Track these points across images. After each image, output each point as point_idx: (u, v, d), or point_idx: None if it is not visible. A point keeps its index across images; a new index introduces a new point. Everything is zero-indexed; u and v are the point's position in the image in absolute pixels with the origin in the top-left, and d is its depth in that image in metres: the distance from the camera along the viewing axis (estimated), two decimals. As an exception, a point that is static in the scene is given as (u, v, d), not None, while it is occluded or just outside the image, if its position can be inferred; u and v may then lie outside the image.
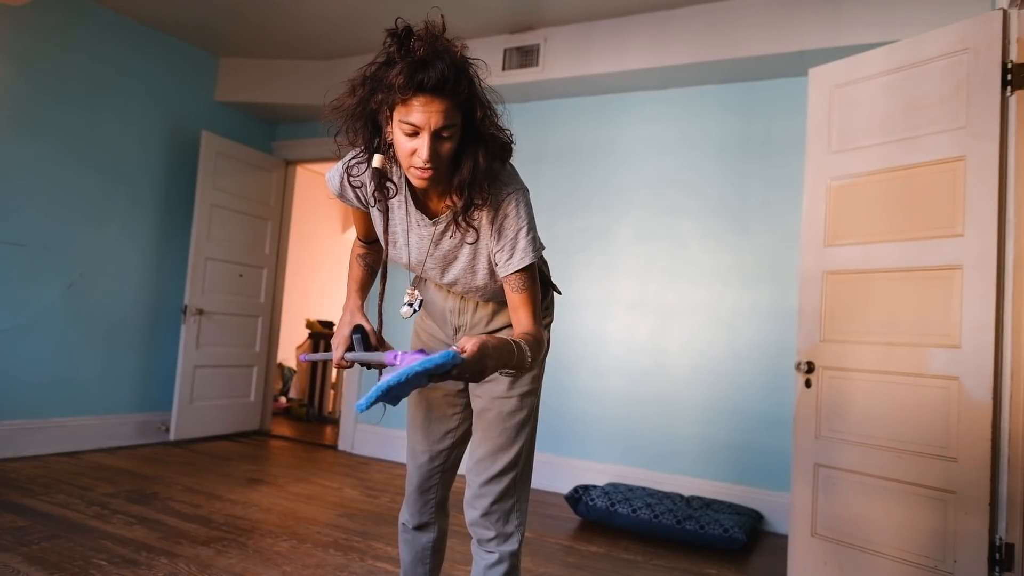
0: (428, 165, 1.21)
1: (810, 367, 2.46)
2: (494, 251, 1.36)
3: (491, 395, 1.50)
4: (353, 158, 1.37)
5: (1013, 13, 2.06)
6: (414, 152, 1.21)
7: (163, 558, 2.36)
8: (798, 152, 3.20)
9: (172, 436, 4.33)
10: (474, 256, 1.40)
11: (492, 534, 1.48)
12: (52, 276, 3.80)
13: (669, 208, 3.75)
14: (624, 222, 3.86)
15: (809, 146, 2.56)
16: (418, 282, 1.58)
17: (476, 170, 1.27)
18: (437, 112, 1.17)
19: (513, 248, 1.35)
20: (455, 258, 1.41)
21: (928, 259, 2.18)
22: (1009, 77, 2.04)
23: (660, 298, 3.73)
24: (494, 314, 1.53)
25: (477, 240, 1.36)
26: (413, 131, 1.19)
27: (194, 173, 4.49)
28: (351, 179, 1.38)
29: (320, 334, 6.11)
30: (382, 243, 1.47)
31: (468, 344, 1.11)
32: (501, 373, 1.42)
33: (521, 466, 1.51)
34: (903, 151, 2.28)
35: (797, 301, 2.64)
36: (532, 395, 1.52)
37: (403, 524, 1.67)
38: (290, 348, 6.51)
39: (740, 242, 3.57)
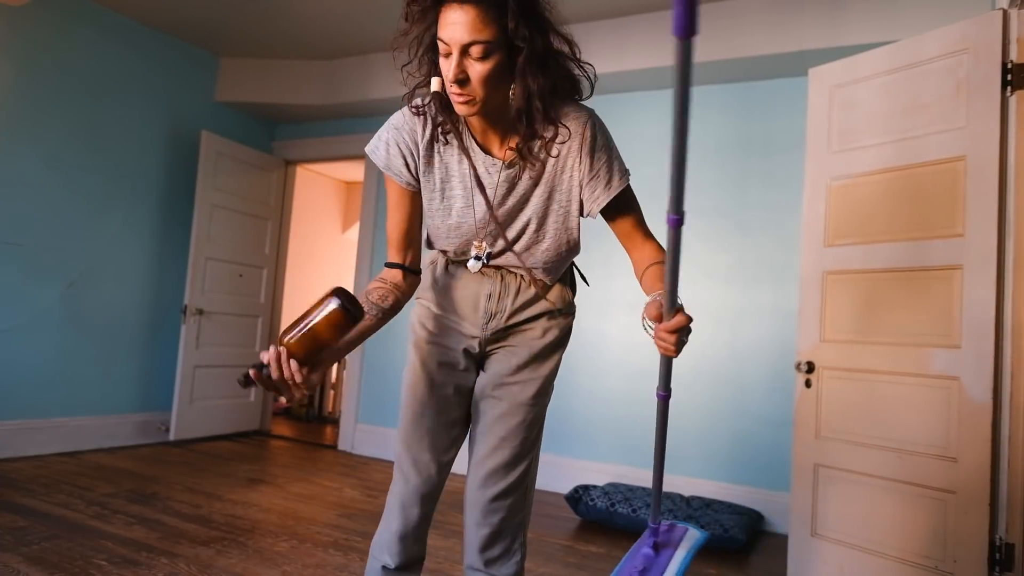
0: (456, 89, 1.09)
1: (810, 367, 2.46)
2: (586, 181, 1.24)
3: (516, 400, 1.35)
4: (412, 96, 1.22)
5: (1013, 13, 2.06)
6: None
7: (163, 558, 2.36)
8: (798, 152, 3.20)
9: (172, 436, 4.33)
10: (551, 199, 1.26)
11: (498, 553, 1.36)
12: (52, 276, 3.80)
13: (669, 208, 3.74)
14: (624, 222, 3.85)
15: (809, 146, 2.56)
16: (436, 267, 1.40)
17: (530, 95, 1.13)
18: (461, 25, 1.04)
19: (610, 171, 1.25)
20: (525, 204, 1.27)
21: (928, 259, 2.18)
22: (1009, 77, 2.04)
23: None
24: (538, 298, 1.36)
25: (547, 173, 1.24)
26: (447, 51, 1.08)
27: (194, 173, 4.49)
28: (409, 129, 1.24)
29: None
30: (432, 221, 1.31)
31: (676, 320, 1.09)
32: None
33: (533, 474, 1.40)
34: (903, 151, 2.28)
35: (797, 301, 2.64)
36: (548, 397, 1.41)
37: (383, 568, 1.37)
38: (290, 348, 6.51)
39: (740, 242, 3.57)
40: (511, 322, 1.36)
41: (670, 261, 0.99)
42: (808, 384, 2.47)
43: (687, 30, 0.71)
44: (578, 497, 3.24)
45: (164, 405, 4.40)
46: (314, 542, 2.66)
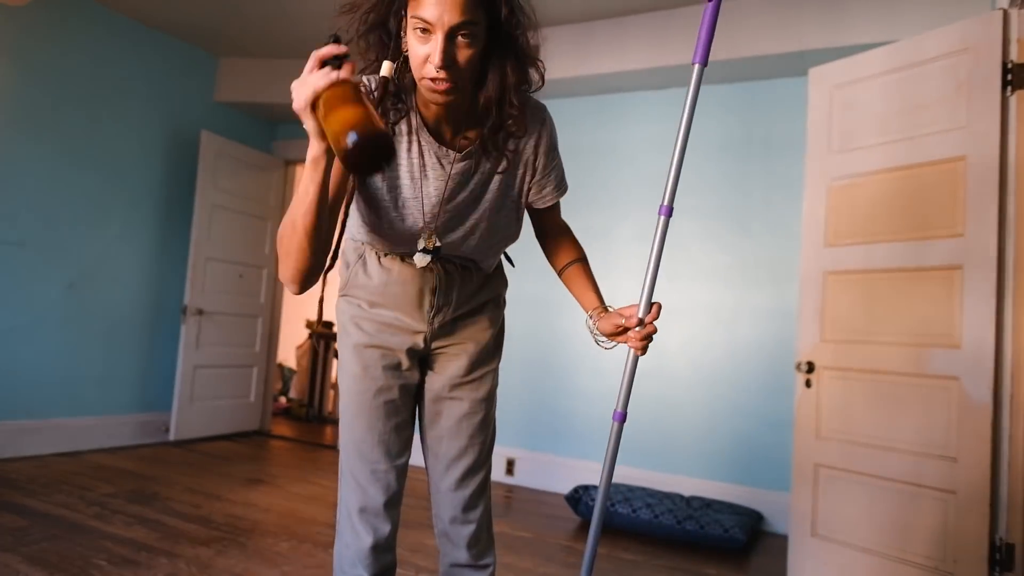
0: (442, 74, 1.01)
1: (810, 367, 2.46)
2: (539, 176, 1.25)
3: (475, 398, 1.33)
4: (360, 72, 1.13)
5: (1013, 13, 2.06)
6: (427, 58, 1.02)
7: (163, 558, 2.36)
8: (798, 152, 3.19)
9: (172, 436, 4.33)
10: (505, 193, 1.22)
11: (483, 544, 1.37)
12: (52, 276, 3.80)
13: (669, 208, 3.75)
14: (624, 222, 3.86)
15: (809, 146, 2.57)
16: (367, 262, 1.29)
17: (505, 86, 1.08)
18: (452, 5, 0.98)
19: (560, 171, 1.28)
20: (479, 197, 1.21)
21: (928, 259, 2.18)
22: (1009, 77, 2.04)
23: (660, 298, 3.70)
24: (481, 287, 1.34)
25: (508, 168, 1.20)
26: (425, 31, 1.01)
27: (194, 173, 4.49)
28: None
29: (320, 334, 6.11)
30: (375, 214, 1.21)
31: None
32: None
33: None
34: (903, 151, 2.28)
35: (797, 301, 2.64)
36: (497, 387, 1.41)
37: None
38: (290, 348, 6.51)
39: (741, 242, 3.57)
40: (458, 313, 1.32)
41: (656, 254, 1.13)
42: (808, 384, 2.47)
43: (705, 59, 1.08)
44: (578, 497, 3.24)
45: (164, 405, 4.40)
46: (314, 542, 2.66)
